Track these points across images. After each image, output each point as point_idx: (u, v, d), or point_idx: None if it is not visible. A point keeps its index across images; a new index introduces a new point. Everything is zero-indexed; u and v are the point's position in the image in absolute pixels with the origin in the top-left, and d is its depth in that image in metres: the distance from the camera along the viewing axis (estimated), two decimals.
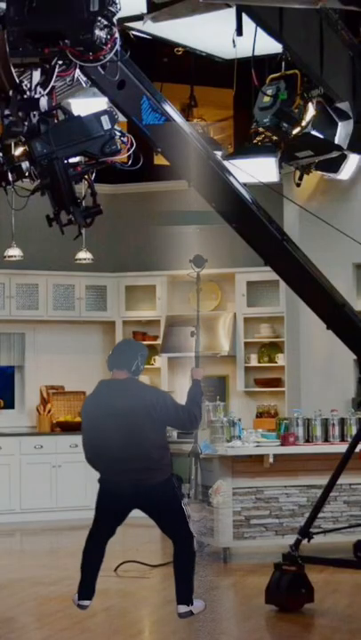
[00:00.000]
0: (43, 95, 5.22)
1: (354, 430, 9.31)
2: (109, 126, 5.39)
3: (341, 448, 8.19)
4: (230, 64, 8.65)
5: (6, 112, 5.18)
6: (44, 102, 5.22)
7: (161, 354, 12.62)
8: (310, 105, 8.85)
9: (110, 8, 5.11)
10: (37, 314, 12.59)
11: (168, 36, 8.52)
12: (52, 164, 5.31)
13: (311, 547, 7.83)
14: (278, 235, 6.86)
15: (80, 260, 11.89)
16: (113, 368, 6.76)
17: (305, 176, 10.31)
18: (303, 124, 8.85)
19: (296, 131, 8.86)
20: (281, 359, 12.18)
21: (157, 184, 12.76)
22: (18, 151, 5.50)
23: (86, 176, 5.52)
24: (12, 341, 12.86)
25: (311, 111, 8.88)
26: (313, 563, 7.64)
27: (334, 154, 9.54)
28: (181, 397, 6.86)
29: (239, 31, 7.16)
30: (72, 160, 5.44)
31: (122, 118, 5.79)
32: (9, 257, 11.63)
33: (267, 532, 9.32)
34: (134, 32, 7.87)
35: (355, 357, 7.91)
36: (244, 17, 7.10)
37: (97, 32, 5.07)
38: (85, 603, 6.72)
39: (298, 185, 10.44)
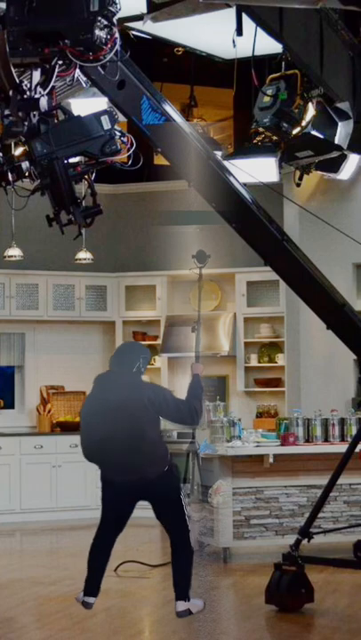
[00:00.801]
0: (43, 95, 5.22)
1: (354, 430, 9.31)
2: (109, 126, 5.39)
3: (341, 448, 8.19)
4: (230, 64, 8.66)
5: (6, 112, 5.18)
6: (44, 102, 5.22)
7: (161, 354, 12.62)
8: (310, 105, 8.86)
9: (110, 8, 5.11)
10: (37, 314, 12.59)
11: (168, 36, 8.52)
12: (52, 164, 5.31)
13: (311, 547, 7.83)
14: (278, 235, 6.86)
15: (80, 260, 11.90)
16: (114, 368, 6.79)
17: (305, 176, 10.31)
18: (303, 124, 8.85)
19: (296, 131, 8.86)
20: (281, 359, 12.18)
21: (157, 184, 12.77)
22: (18, 151, 5.50)
23: (86, 176, 5.52)
24: (12, 341, 12.86)
25: (311, 111, 8.88)
26: (313, 563, 7.64)
27: (334, 154, 9.54)
28: (182, 397, 6.85)
29: (239, 31, 7.15)
30: (72, 160, 5.44)
31: (122, 118, 5.79)
32: (9, 257, 11.64)
33: (267, 532, 9.33)
34: (134, 32, 7.87)
35: (355, 357, 7.92)
36: (244, 17, 7.10)
37: (97, 32, 5.07)
38: (90, 600, 6.73)
39: (298, 185, 10.44)
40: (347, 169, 10.34)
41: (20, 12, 5.12)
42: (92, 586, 6.73)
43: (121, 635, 6.90)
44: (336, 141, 9.13)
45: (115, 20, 5.16)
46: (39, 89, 5.23)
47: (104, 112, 5.43)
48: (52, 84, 5.25)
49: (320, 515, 7.90)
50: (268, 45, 7.81)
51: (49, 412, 12.60)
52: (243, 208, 6.56)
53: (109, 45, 5.14)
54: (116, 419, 6.54)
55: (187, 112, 12.36)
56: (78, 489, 11.73)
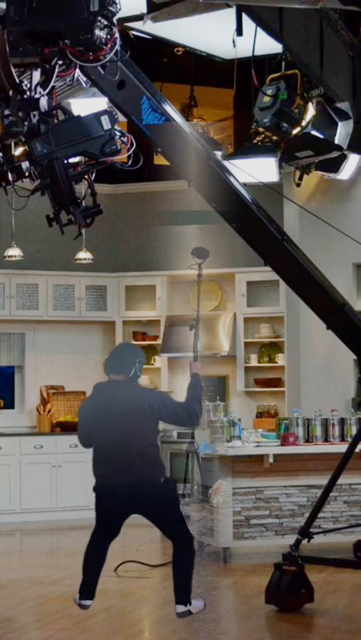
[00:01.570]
0: (43, 95, 5.22)
1: (354, 430, 9.31)
2: (109, 126, 5.40)
3: (341, 448, 8.19)
4: (230, 64, 8.66)
5: (6, 112, 5.18)
6: (44, 102, 5.22)
7: (161, 354, 12.62)
8: (310, 105, 8.86)
9: (110, 8, 5.11)
10: (37, 314, 12.59)
11: (168, 36, 8.53)
12: (52, 164, 5.31)
13: (311, 547, 7.83)
14: (278, 235, 6.86)
15: (80, 260, 11.90)
16: (110, 372, 6.73)
17: (305, 176, 10.32)
18: (303, 124, 8.86)
19: (296, 131, 8.86)
20: (281, 359, 12.18)
21: (157, 184, 12.77)
22: (18, 151, 5.50)
23: (86, 176, 5.52)
24: (12, 341, 12.86)
25: (311, 111, 8.89)
26: (313, 563, 7.64)
27: (334, 154, 9.54)
28: (181, 397, 6.85)
29: (239, 31, 7.16)
30: (72, 160, 5.45)
31: (122, 118, 5.79)
32: (9, 257, 11.64)
33: (267, 532, 9.32)
34: (134, 32, 7.87)
35: (355, 357, 7.91)
36: (244, 17, 7.10)
37: (97, 32, 5.07)
38: (87, 602, 6.72)
39: (298, 185, 10.45)
40: (347, 169, 10.34)
41: (20, 12, 5.12)
42: (88, 589, 6.71)
43: (121, 635, 6.90)
44: (336, 141, 9.13)
45: (115, 20, 5.16)
46: (39, 89, 5.23)
47: (104, 112, 5.43)
48: (52, 83, 5.25)
49: (320, 515, 7.89)
50: (268, 45, 7.81)
51: (49, 412, 12.60)
52: (243, 208, 6.56)
53: (109, 45, 5.14)
54: (116, 424, 6.51)
55: (187, 112, 12.37)
56: (78, 489, 11.72)
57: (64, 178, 5.34)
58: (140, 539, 10.10)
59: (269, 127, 8.71)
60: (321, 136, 9.06)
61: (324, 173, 10.47)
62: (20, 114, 5.20)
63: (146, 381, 12.46)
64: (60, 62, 5.23)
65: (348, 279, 10.99)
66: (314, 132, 8.97)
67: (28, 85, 5.22)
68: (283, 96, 8.54)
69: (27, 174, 5.46)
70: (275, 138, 9.21)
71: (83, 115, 5.44)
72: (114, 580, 8.44)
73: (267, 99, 8.59)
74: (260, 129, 8.89)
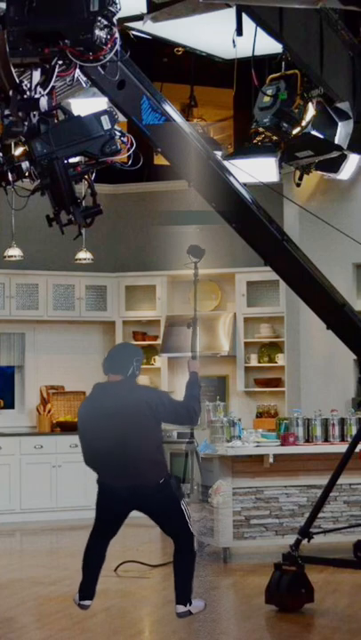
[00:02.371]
0: (43, 95, 5.22)
1: (354, 430, 9.31)
2: (109, 126, 5.39)
3: (341, 448, 8.19)
4: (230, 64, 8.66)
5: (6, 112, 5.18)
6: (44, 102, 5.21)
7: (161, 354, 12.62)
8: (310, 105, 8.86)
9: (110, 8, 5.11)
10: (37, 314, 12.59)
11: (168, 36, 8.52)
12: (52, 164, 5.31)
13: (311, 547, 7.83)
14: (278, 235, 6.86)
15: (80, 260, 11.90)
16: (108, 372, 6.70)
17: (305, 176, 10.32)
18: (303, 124, 8.86)
19: (296, 131, 8.86)
20: (281, 359, 12.18)
21: (157, 184, 12.77)
22: (18, 151, 5.50)
23: (86, 176, 5.52)
24: (12, 341, 12.86)
25: (311, 111, 8.89)
26: (313, 563, 7.64)
27: (334, 154, 9.54)
28: (181, 397, 6.83)
29: (239, 31, 7.15)
30: (72, 160, 5.44)
31: (122, 118, 5.79)
32: (9, 257, 11.64)
33: (267, 532, 9.32)
34: (134, 32, 7.87)
35: (355, 357, 7.91)
36: (244, 17, 7.09)
37: (97, 32, 5.07)
38: (87, 603, 6.71)
39: (298, 185, 10.44)
40: (347, 169, 10.34)
41: (20, 12, 5.12)
42: (87, 590, 6.69)
43: (121, 635, 6.90)
44: (336, 141, 9.13)
45: (115, 20, 5.16)
46: (39, 89, 5.23)
47: (104, 112, 5.43)
48: (52, 83, 5.25)
49: (320, 515, 7.89)
50: (268, 45, 7.81)
51: (49, 412, 12.60)
52: (243, 208, 6.56)
53: (109, 45, 5.14)
54: (115, 425, 6.50)
55: (187, 112, 12.37)
56: (78, 489, 11.72)
57: (64, 178, 5.34)
58: (140, 539, 10.10)
59: (269, 127, 8.71)
60: (321, 136, 9.06)
61: (324, 173, 10.47)
62: (20, 114, 5.20)
63: (146, 381, 12.45)
64: (60, 62, 5.23)
65: (348, 279, 10.99)
66: (314, 132, 8.97)
67: (28, 85, 5.22)
68: (283, 96, 8.54)
69: (27, 174, 5.45)
70: (275, 138, 9.21)
71: (83, 115, 5.44)
72: (114, 580, 8.44)
73: (267, 99, 8.59)
74: (260, 129, 8.89)
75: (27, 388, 12.81)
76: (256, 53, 7.71)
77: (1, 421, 12.59)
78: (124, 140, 5.47)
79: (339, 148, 9.28)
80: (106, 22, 5.10)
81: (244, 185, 6.61)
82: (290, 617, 7.24)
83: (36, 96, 5.21)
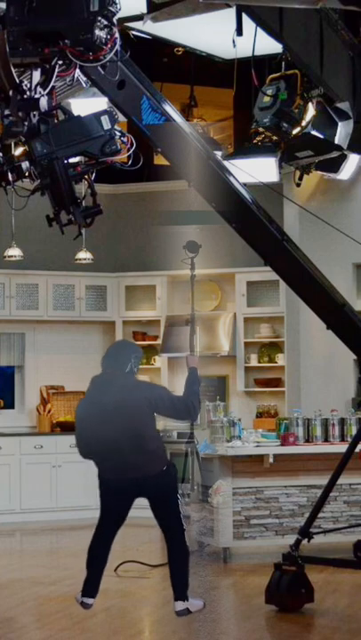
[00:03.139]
0: (43, 95, 5.22)
1: (354, 430, 9.31)
2: (109, 126, 5.39)
3: (341, 448, 8.19)
4: (230, 64, 8.66)
5: (6, 112, 5.18)
6: (44, 102, 5.22)
7: (161, 354, 12.62)
8: (310, 105, 8.86)
9: (110, 8, 5.11)
10: (37, 314, 12.59)
11: (168, 36, 8.52)
12: (52, 164, 5.31)
13: (311, 547, 7.83)
14: (278, 235, 6.86)
15: (80, 259, 11.90)
16: (107, 369, 6.75)
17: (305, 176, 10.32)
18: (303, 124, 8.86)
19: (296, 131, 8.86)
20: (281, 359, 12.18)
21: (157, 184, 12.77)
22: (18, 151, 5.50)
23: (86, 176, 5.52)
24: (12, 341, 12.86)
25: (311, 111, 8.89)
26: (313, 563, 7.64)
27: (334, 154, 9.54)
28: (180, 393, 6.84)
29: (239, 31, 7.15)
30: (72, 160, 5.44)
31: (122, 118, 5.79)
32: (9, 257, 11.64)
33: (267, 532, 9.32)
34: (134, 32, 7.87)
35: (355, 357, 7.91)
36: (244, 17, 7.09)
37: (97, 32, 5.07)
38: (89, 600, 6.72)
39: (298, 185, 10.44)
40: (347, 169, 10.34)
41: (20, 12, 5.12)
42: (91, 587, 6.72)
43: (121, 635, 6.90)
44: (336, 141, 9.13)
45: (115, 20, 5.16)
46: (39, 89, 5.23)
47: (104, 112, 5.43)
48: (52, 83, 5.25)
49: (320, 515, 7.89)
50: (268, 45, 7.81)
51: (49, 412, 12.60)
52: (243, 208, 6.56)
53: (109, 45, 5.14)
54: (115, 420, 6.52)
55: (187, 112, 12.37)
56: (78, 489, 11.72)
57: (64, 178, 5.34)
58: (140, 539, 10.10)
59: (269, 127, 8.71)
60: (321, 136, 9.05)
61: (324, 173, 10.47)
62: (20, 114, 5.20)
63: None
64: (60, 62, 5.23)
65: (348, 279, 10.99)
66: (314, 132, 8.97)
67: (28, 85, 5.22)
68: (283, 96, 8.54)
69: (27, 174, 5.45)
70: (275, 138, 9.21)
71: (83, 115, 5.44)
72: (114, 579, 8.44)
73: (267, 99, 8.59)
74: (260, 129, 8.89)
75: (27, 387, 12.81)
76: (256, 53, 7.71)
77: (1, 421, 12.59)
78: (124, 140, 5.47)
79: (339, 147, 9.28)
80: (106, 22, 5.10)
81: (244, 185, 6.61)
82: (290, 617, 7.24)
83: (36, 96, 5.21)
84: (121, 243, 13.11)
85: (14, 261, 11.71)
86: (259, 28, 7.33)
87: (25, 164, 5.42)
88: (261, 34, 7.41)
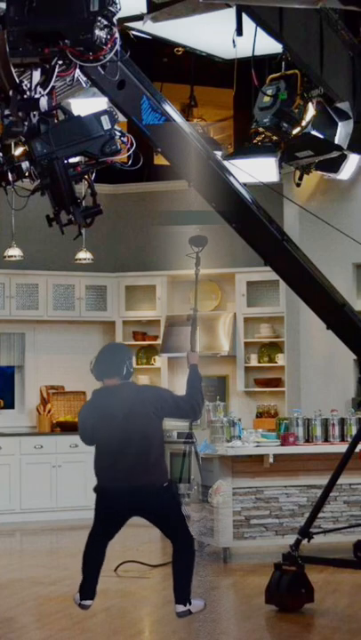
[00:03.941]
0: (43, 95, 5.22)
1: (354, 430, 9.31)
2: (109, 126, 5.39)
3: (341, 448, 8.19)
4: (230, 64, 8.66)
5: (6, 112, 5.18)
6: (44, 102, 5.22)
7: (161, 354, 12.62)
8: (310, 105, 8.86)
9: (110, 8, 5.11)
10: (37, 314, 12.59)
11: (168, 36, 8.52)
12: (52, 164, 5.31)
13: (311, 547, 7.83)
14: (278, 235, 6.86)
15: (80, 259, 11.90)
16: (103, 377, 6.59)
17: (305, 176, 10.32)
18: (303, 124, 8.86)
19: (296, 131, 8.86)
20: (281, 359, 12.18)
21: (157, 184, 12.77)
22: (18, 151, 5.50)
23: (86, 176, 5.52)
24: (12, 341, 12.86)
25: (311, 111, 8.89)
26: (313, 563, 7.64)
27: (334, 154, 9.54)
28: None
29: (239, 31, 7.15)
30: (72, 160, 5.44)
31: (122, 118, 5.79)
32: (9, 257, 11.64)
33: (267, 532, 9.32)
34: (134, 32, 7.87)
35: (355, 357, 7.91)
36: (244, 17, 7.09)
37: (97, 32, 5.07)
38: (87, 603, 6.67)
39: (298, 185, 10.44)
40: (347, 169, 10.34)
41: (20, 12, 5.12)
42: (88, 590, 6.66)
43: (121, 635, 6.90)
44: (336, 141, 9.13)
45: (115, 20, 5.16)
46: (39, 89, 5.23)
47: (104, 112, 5.43)
48: (52, 83, 5.25)
49: (320, 515, 7.89)
50: (268, 45, 7.81)
51: (49, 412, 12.60)
52: (243, 208, 6.56)
53: (109, 45, 5.14)
54: (123, 429, 6.41)
55: (187, 112, 12.37)
56: (78, 489, 11.72)
57: (64, 178, 5.34)
58: (140, 539, 10.10)
59: (269, 127, 8.71)
60: (321, 136, 9.05)
61: (324, 173, 10.47)
62: (20, 114, 5.20)
63: (146, 381, 12.46)
64: (60, 62, 5.23)
65: (348, 279, 10.99)
66: (314, 132, 8.97)
67: (28, 85, 5.22)
68: (283, 96, 8.54)
69: (27, 174, 5.45)
70: (275, 138, 9.21)
71: (83, 115, 5.44)
72: (114, 580, 8.44)
73: (267, 99, 8.59)
74: (260, 129, 8.89)
75: (27, 387, 12.81)
76: (256, 53, 7.71)
77: (1, 421, 12.59)
78: (124, 140, 5.47)
79: (339, 147, 9.28)
80: (106, 22, 5.10)
81: (244, 185, 6.61)
82: (290, 617, 7.24)
83: (36, 96, 5.21)
84: (121, 243, 13.11)
85: (14, 261, 11.71)
86: (259, 28, 7.33)
87: (25, 164, 5.42)
88: (261, 34, 7.41)
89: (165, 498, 6.53)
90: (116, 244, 13.05)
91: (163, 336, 12.63)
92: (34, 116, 5.25)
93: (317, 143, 9.20)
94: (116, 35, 5.17)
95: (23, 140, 5.34)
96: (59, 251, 11.96)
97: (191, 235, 7.15)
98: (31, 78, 5.25)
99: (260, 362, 12.54)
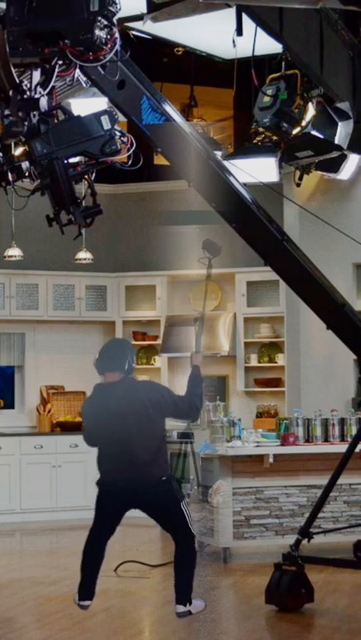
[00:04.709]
0: (43, 95, 5.22)
1: (354, 430, 9.31)
2: (109, 126, 5.40)
3: (341, 448, 8.19)
4: (230, 64, 8.66)
5: (6, 112, 5.18)
6: (44, 102, 5.22)
7: (161, 354, 12.62)
8: (310, 105, 8.86)
9: (110, 8, 5.11)
10: (37, 314, 12.59)
11: (168, 36, 8.52)
12: (52, 164, 5.32)
13: (311, 547, 7.83)
14: (278, 235, 6.86)
15: (80, 260, 11.90)
16: (105, 371, 6.69)
17: (305, 176, 10.32)
18: (303, 124, 8.86)
19: (296, 131, 8.86)
20: (281, 359, 12.18)
21: (157, 184, 12.77)
22: (18, 151, 5.50)
23: (86, 176, 5.52)
24: (12, 341, 12.86)
25: (311, 111, 8.89)
26: (313, 563, 7.64)
27: (334, 154, 9.54)
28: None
29: (239, 31, 7.15)
30: (72, 160, 5.45)
31: (122, 118, 5.79)
32: (9, 257, 11.64)
33: (267, 532, 9.32)
34: (134, 32, 7.87)
35: (355, 357, 7.91)
36: (244, 17, 7.10)
37: (97, 32, 5.07)
38: (86, 603, 6.70)
39: (298, 185, 10.44)
40: (347, 169, 10.34)
41: (20, 12, 5.12)
42: (87, 590, 6.68)
43: (121, 635, 6.90)
44: (336, 141, 9.13)
45: (115, 20, 5.16)
46: (39, 89, 5.23)
47: (104, 112, 5.43)
48: (52, 83, 5.25)
49: (320, 515, 7.89)
50: (268, 45, 7.81)
51: (49, 412, 12.60)
52: (243, 208, 6.56)
53: (109, 45, 5.14)
54: (122, 424, 6.50)
55: (187, 112, 12.37)
56: (78, 489, 11.72)
57: (64, 178, 5.34)
58: (140, 539, 10.10)
59: (269, 127, 8.71)
60: (321, 136, 9.05)
61: (324, 173, 10.47)
62: (20, 114, 5.20)
63: None
64: (60, 62, 5.23)
65: (348, 279, 10.99)
66: (314, 132, 8.97)
67: (28, 85, 5.22)
68: (283, 96, 8.54)
69: (27, 174, 5.46)
70: (275, 138, 9.21)
71: (83, 115, 5.44)
72: (114, 580, 8.44)
73: (267, 99, 8.59)
74: (260, 129, 8.89)
75: (27, 387, 12.81)
76: (256, 53, 7.71)
77: (1, 421, 12.59)
78: (124, 140, 5.47)
79: (339, 147, 9.28)
80: (106, 22, 5.10)
81: (244, 185, 6.61)
82: (290, 617, 7.24)
83: (36, 96, 5.21)
84: (121, 243, 13.11)
85: (14, 261, 11.71)
86: (259, 28, 7.33)
87: (25, 164, 5.43)
88: (261, 34, 7.41)
89: (164, 491, 6.58)
90: (116, 244, 13.05)
91: (163, 336, 12.63)
92: (34, 115, 5.25)
93: (317, 143, 9.20)
94: (116, 35, 5.17)
95: (23, 140, 5.34)
96: (59, 251, 11.96)
97: (205, 239, 7.17)
98: (31, 78, 5.25)
99: (260, 362, 12.54)
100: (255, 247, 6.90)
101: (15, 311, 12.49)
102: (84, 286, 12.76)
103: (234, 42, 7.32)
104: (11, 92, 5.11)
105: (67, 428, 12.28)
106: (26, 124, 5.23)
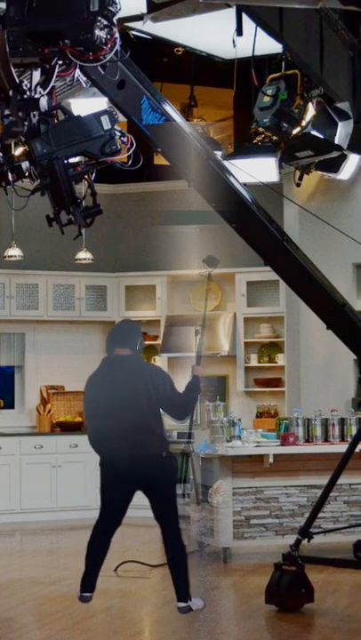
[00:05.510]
0: (43, 95, 5.22)
1: (354, 430, 9.31)
2: (109, 126, 5.40)
3: (341, 448, 8.18)
4: (230, 64, 8.66)
5: (6, 112, 5.18)
6: (44, 102, 5.22)
7: (161, 354, 12.62)
8: (310, 105, 8.86)
9: (110, 8, 5.11)
10: (37, 314, 12.59)
11: (168, 36, 8.53)
12: (52, 164, 5.32)
13: (311, 547, 7.83)
14: (278, 235, 6.86)
15: (80, 260, 11.91)
16: (115, 346, 6.92)
17: (305, 176, 10.32)
18: (303, 124, 8.86)
19: (296, 131, 8.86)
20: (281, 359, 12.18)
21: (157, 184, 12.77)
22: (18, 151, 5.51)
23: (86, 176, 5.53)
24: (12, 341, 12.86)
25: (311, 111, 8.89)
26: (313, 563, 7.64)
27: (334, 154, 9.55)
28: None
29: (239, 31, 7.16)
30: (72, 160, 5.45)
31: (122, 118, 5.79)
32: (9, 257, 11.65)
33: (267, 532, 9.32)
34: (134, 32, 7.87)
35: (355, 357, 7.91)
36: (244, 17, 7.10)
37: (97, 32, 5.07)
38: (87, 594, 6.82)
39: (298, 185, 10.45)
40: (347, 169, 10.34)
41: (20, 12, 5.12)
42: (88, 583, 6.80)
43: (121, 635, 6.90)
44: (336, 141, 9.13)
45: (115, 20, 5.16)
46: (39, 89, 5.23)
47: (104, 112, 5.44)
48: (52, 83, 5.26)
49: (320, 515, 7.89)
50: (268, 45, 7.81)
51: (49, 412, 12.60)
52: (243, 208, 6.56)
53: (109, 45, 5.14)
54: (124, 396, 6.70)
55: (187, 112, 12.37)
56: (78, 489, 11.73)
57: (64, 178, 5.35)
58: (140, 539, 10.10)
59: (269, 127, 8.71)
60: (321, 136, 9.06)
61: (324, 173, 10.47)
62: (20, 114, 5.21)
63: None
64: (60, 62, 5.23)
65: (348, 279, 10.99)
66: (314, 132, 8.97)
67: (28, 85, 5.23)
68: (283, 96, 8.55)
69: (27, 174, 5.46)
70: (275, 138, 9.21)
71: (83, 115, 5.44)
72: (114, 579, 8.44)
73: (267, 99, 8.59)
74: (260, 129, 8.89)
75: (27, 387, 12.81)
76: (256, 53, 7.72)
77: (1, 421, 12.59)
78: (124, 140, 5.48)
79: (339, 147, 9.28)
80: (106, 22, 5.10)
81: (244, 185, 6.61)
82: (290, 617, 7.24)
83: (36, 96, 5.21)
84: (121, 243, 13.11)
85: (14, 261, 11.71)
86: (259, 28, 7.33)
87: (25, 164, 5.43)
88: (261, 34, 7.41)
89: (164, 468, 6.73)
90: (116, 244, 13.05)
91: (163, 336, 12.63)
92: (34, 115, 5.25)
93: (317, 143, 9.21)
94: (116, 35, 5.17)
95: (23, 140, 5.34)
96: (59, 251, 11.96)
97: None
98: (31, 78, 5.26)
99: (260, 362, 12.54)
100: (255, 247, 6.91)
101: (15, 311, 12.50)
102: (84, 286, 12.77)
103: (234, 42, 7.32)
104: (11, 92, 5.12)
105: (67, 428, 12.29)
106: (26, 123, 5.23)
